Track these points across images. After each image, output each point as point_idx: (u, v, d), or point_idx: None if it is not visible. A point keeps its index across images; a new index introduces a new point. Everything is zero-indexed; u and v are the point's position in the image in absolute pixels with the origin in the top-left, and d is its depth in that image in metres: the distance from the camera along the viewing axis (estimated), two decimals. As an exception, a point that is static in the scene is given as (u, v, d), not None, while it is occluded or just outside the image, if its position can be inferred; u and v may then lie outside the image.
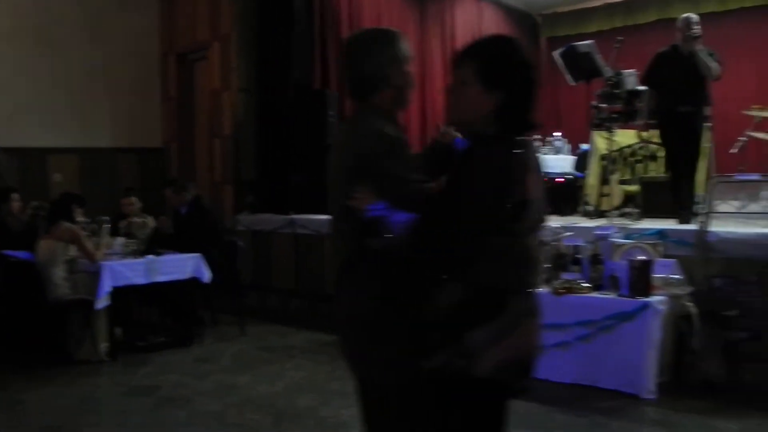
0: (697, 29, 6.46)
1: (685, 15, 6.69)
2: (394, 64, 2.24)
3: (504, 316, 1.97)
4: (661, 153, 8.53)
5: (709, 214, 5.22)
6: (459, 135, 2.44)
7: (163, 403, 5.07)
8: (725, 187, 5.41)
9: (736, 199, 5.63)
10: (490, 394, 2.06)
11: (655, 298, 4.88)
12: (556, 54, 6.70)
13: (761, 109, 8.40)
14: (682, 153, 6.63)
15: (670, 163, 6.91)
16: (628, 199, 8.31)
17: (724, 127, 9.31)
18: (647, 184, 7.97)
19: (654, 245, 5.34)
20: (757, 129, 8.57)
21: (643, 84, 7.09)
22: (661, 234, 5.47)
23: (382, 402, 2.30)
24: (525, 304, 2.02)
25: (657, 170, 8.52)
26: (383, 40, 2.30)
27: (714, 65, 6.40)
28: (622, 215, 8.04)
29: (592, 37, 12.47)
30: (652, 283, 4.97)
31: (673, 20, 12.05)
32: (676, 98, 6.48)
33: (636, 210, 7.88)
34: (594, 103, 8.73)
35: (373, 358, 2.26)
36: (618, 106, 8.83)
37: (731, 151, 8.57)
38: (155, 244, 6.92)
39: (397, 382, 2.24)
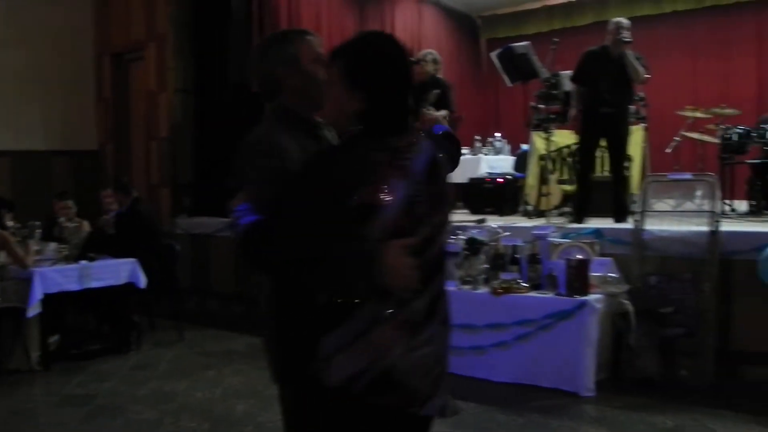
0: (627, 34, 6.56)
1: (616, 19, 6.79)
2: (289, 65, 2.17)
3: (352, 321, 1.87)
4: (599, 153, 8.67)
5: (644, 212, 5.29)
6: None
7: (98, 413, 4.94)
8: (659, 186, 5.48)
9: (670, 197, 5.72)
10: (358, 409, 1.92)
11: (592, 297, 4.93)
12: (493, 55, 6.73)
13: (694, 110, 8.57)
14: (612, 155, 6.72)
15: (588, 162, 6.99)
16: (567, 198, 8.41)
17: (660, 127, 9.50)
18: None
19: (591, 244, 5.40)
20: (691, 129, 8.74)
21: (572, 81, 7.17)
22: (597, 233, 5.54)
23: (285, 407, 2.26)
24: (379, 310, 1.88)
25: (598, 169, 8.63)
26: (278, 41, 2.23)
27: (641, 69, 6.50)
28: (561, 215, 8.17)
29: (531, 38, 12.59)
30: (590, 281, 5.02)
31: (605, 23, 12.40)
32: (600, 99, 6.55)
33: (574, 210, 7.99)
34: (532, 104, 8.82)
35: (270, 362, 2.22)
36: (556, 107, 8.98)
37: (666, 150, 8.74)
38: (91, 248, 6.74)
39: (287, 390, 2.20)
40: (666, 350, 5.06)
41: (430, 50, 8.18)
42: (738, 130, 7.96)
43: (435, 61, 7.82)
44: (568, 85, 8.95)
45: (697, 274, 5.03)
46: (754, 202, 8.03)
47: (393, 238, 1.85)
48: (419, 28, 11.99)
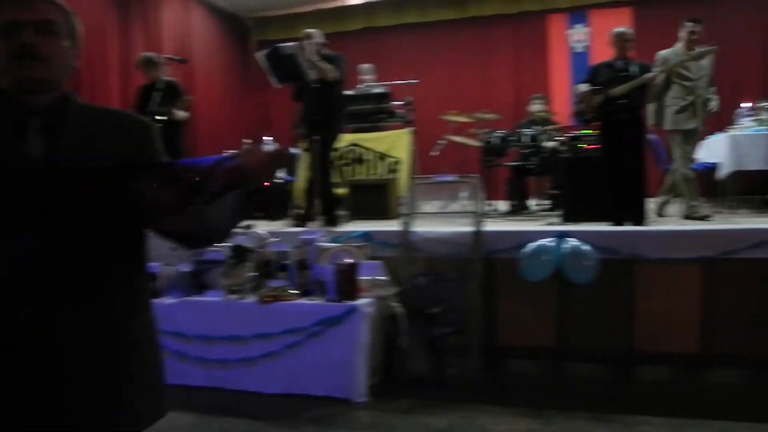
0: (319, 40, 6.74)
1: (306, 30, 6.84)
2: None
3: None
4: (368, 156, 8.75)
5: (411, 214, 5.30)
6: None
7: None
8: (426, 188, 5.53)
9: (437, 199, 5.79)
10: None
11: (362, 301, 4.84)
12: (260, 55, 6.50)
13: (458, 115, 8.85)
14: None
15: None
16: (338, 202, 8.37)
17: (427, 131, 9.75)
18: (355, 187, 8.06)
19: (360, 247, 5.33)
20: (455, 133, 9.03)
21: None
22: (366, 236, 5.48)
23: None
24: None
25: (365, 173, 8.69)
26: None
27: (328, 67, 6.54)
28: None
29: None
30: (359, 285, 4.94)
31: (379, 28, 12.64)
32: (311, 108, 6.68)
33: (345, 213, 7.96)
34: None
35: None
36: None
37: (432, 154, 8.97)
38: None
39: None
40: (436, 350, 5.08)
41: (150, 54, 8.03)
42: (498, 134, 8.31)
43: (151, 63, 7.61)
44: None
45: (463, 273, 5.10)
46: (514, 202, 8.44)
47: None
48: (187, 28, 11.54)
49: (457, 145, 9.02)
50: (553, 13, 11.79)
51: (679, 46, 6.66)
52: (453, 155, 9.60)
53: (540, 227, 5.70)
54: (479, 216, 5.14)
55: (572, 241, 4.93)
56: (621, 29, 6.40)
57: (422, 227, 5.29)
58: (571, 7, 11.65)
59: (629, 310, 5.08)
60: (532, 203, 8.75)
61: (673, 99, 6.52)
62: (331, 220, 6.58)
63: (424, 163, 9.26)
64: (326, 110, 6.68)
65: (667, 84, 6.54)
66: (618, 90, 6.14)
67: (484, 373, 5.12)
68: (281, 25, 13.06)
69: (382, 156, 8.72)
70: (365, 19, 12.72)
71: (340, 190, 8.47)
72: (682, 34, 6.72)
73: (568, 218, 6.99)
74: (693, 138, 6.61)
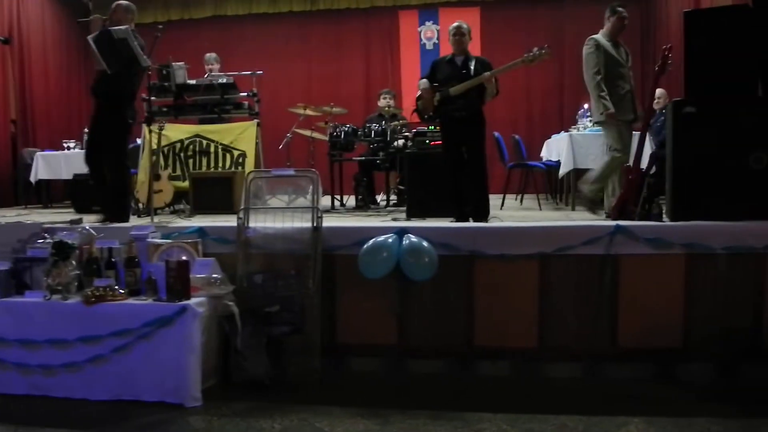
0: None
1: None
2: None
3: None
4: (212, 148, 8.46)
5: (248, 209, 5.08)
6: None
7: None
8: (264, 183, 5.32)
9: (276, 193, 5.60)
10: None
11: (194, 300, 4.58)
12: (90, 39, 6.08)
13: (304, 108, 8.69)
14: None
15: None
16: (180, 195, 8.06)
17: (276, 123, 9.56)
18: (197, 180, 7.77)
19: (194, 244, 5.06)
20: (302, 126, 8.87)
21: None
22: (201, 232, 5.22)
23: None
24: None
25: (210, 166, 8.40)
26: None
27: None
28: (174, 212, 7.79)
29: (147, 27, 12.08)
30: (192, 284, 4.68)
31: (228, 17, 12.28)
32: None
33: (187, 206, 7.67)
34: (144, 96, 8.36)
35: None
36: (169, 100, 8.60)
37: (280, 147, 8.79)
38: None
39: None
40: (274, 350, 4.90)
41: None
42: (345, 129, 8.21)
43: None
44: (181, 77, 8.61)
45: (302, 270, 4.94)
46: (361, 198, 8.37)
47: None
48: (17, 8, 10.78)
49: (306, 139, 8.87)
50: (405, 10, 11.84)
51: (604, 32, 6.58)
52: (301, 149, 9.46)
53: (379, 223, 5.62)
54: (318, 211, 4.99)
55: (412, 238, 4.86)
56: (456, 24, 6.41)
57: (259, 223, 5.08)
58: (421, 4, 11.74)
59: (469, 306, 5.07)
60: (380, 198, 8.73)
61: (612, 88, 6.39)
62: (114, 214, 6.16)
63: (271, 156, 9.07)
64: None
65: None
66: (455, 89, 6.16)
67: (324, 373, 4.99)
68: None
69: (227, 148, 8.46)
70: (214, 7, 12.34)
71: (183, 184, 8.16)
72: (613, 20, 6.61)
73: (411, 214, 7.01)
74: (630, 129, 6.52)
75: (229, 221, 5.44)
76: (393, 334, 5.13)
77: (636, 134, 6.23)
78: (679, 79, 5.73)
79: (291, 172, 5.33)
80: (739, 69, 5.32)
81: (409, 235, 4.90)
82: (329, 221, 5.35)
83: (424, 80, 6.46)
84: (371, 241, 4.86)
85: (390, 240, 4.85)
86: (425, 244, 4.83)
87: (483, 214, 6.19)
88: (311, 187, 5.08)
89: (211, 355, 4.78)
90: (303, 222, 5.03)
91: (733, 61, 5.30)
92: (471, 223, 5.70)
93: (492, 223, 5.59)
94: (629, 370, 4.97)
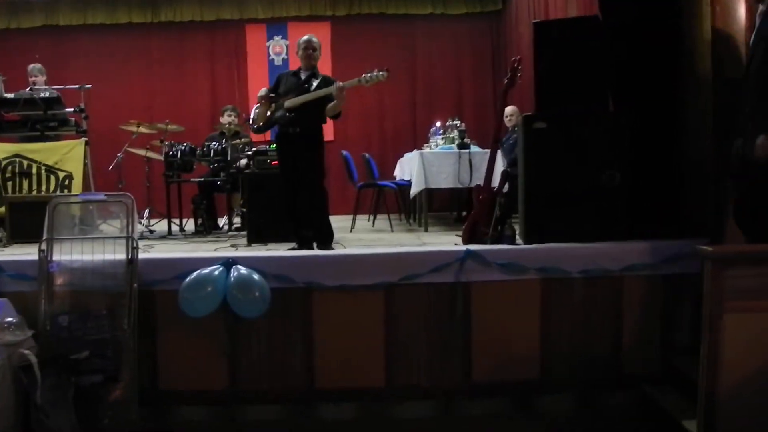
0: None
1: None
2: None
3: None
4: (34, 169, 7.63)
5: (51, 240, 4.40)
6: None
7: None
8: (69, 209, 4.64)
9: (87, 221, 4.94)
10: None
11: (-22, 350, 3.88)
12: None
13: (138, 125, 8.00)
14: None
15: None
16: (-4, 220, 7.20)
17: (110, 142, 8.81)
18: (14, 205, 6.93)
19: (-15, 281, 4.35)
20: (134, 145, 8.17)
21: None
22: (-3, 268, 4.50)
23: None
24: None
25: (32, 189, 7.55)
26: None
27: None
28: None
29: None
30: (-21, 330, 3.97)
31: (61, 27, 11.36)
32: None
33: (4, 234, 6.85)
34: (-43, 111, 7.47)
35: None
36: (-13, 115, 7.74)
37: (110, 168, 8.06)
38: None
39: None
40: (84, 402, 4.24)
41: None
42: (181, 147, 7.60)
43: None
44: (1, 91, 7.78)
45: (115, 309, 4.31)
46: (200, 222, 7.77)
47: None
48: None
49: (142, 159, 8.18)
50: (252, 23, 11.29)
51: None
52: (135, 169, 8.75)
53: (203, 253, 5.03)
54: (133, 241, 4.37)
55: (241, 270, 4.33)
56: (306, 37, 6.00)
57: (66, 255, 4.41)
58: (269, 18, 11.22)
59: (309, 344, 4.58)
60: (223, 222, 8.14)
61: None
62: None
63: (102, 177, 8.30)
64: None
65: None
66: (291, 102, 5.73)
67: (145, 425, 4.38)
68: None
69: (51, 169, 7.63)
70: (44, 16, 11.34)
71: (-1, 209, 7.29)
72: None
73: (252, 239, 6.50)
74: None
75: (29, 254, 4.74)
76: (223, 377, 4.57)
77: (486, 152, 5.97)
78: (531, 94, 5.49)
79: (101, 196, 4.68)
80: (589, 82, 5.10)
81: (238, 266, 4.37)
82: (159, 249, 4.73)
83: (264, 89, 6.03)
84: (194, 275, 4.30)
85: (216, 273, 4.30)
86: (255, 276, 4.31)
87: (325, 238, 5.74)
88: (122, 213, 4.45)
89: (7, 415, 4.06)
90: (117, 254, 4.40)
91: (584, 74, 5.08)
92: (307, 252, 5.21)
93: (329, 251, 5.12)
94: (485, 405, 4.65)
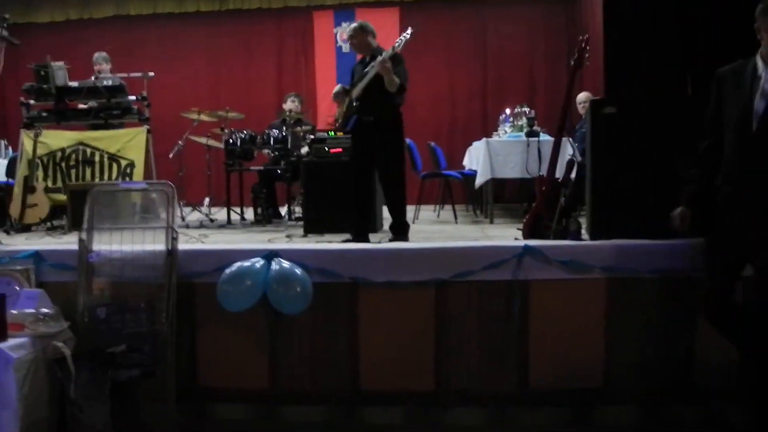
0: None
1: None
2: None
3: None
4: (97, 157, 7.61)
5: (91, 229, 4.27)
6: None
7: None
8: (109, 198, 4.49)
9: (149, 210, 4.78)
10: None
11: (9, 343, 3.75)
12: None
13: (198, 112, 7.89)
14: None
15: None
16: (57, 210, 7.21)
17: (175, 131, 8.75)
18: (75, 193, 6.90)
19: (24, 271, 4.24)
20: (195, 133, 8.07)
21: None
22: (36, 256, 4.38)
23: None
24: None
25: (94, 176, 7.54)
26: None
27: None
28: (51, 228, 6.95)
29: (44, 27, 11.20)
30: (13, 321, 3.85)
31: (131, 17, 11.42)
32: None
33: (64, 223, 6.86)
34: (22, 99, 7.51)
35: None
36: (49, 104, 7.75)
37: (171, 156, 7.98)
38: None
39: None
40: (121, 397, 4.10)
41: None
42: (241, 135, 7.46)
43: None
44: (61, 79, 7.77)
45: (154, 302, 4.15)
46: (260, 210, 7.63)
47: None
48: None
49: (199, 146, 8.09)
50: (319, 10, 11.12)
51: None
52: (197, 158, 8.66)
53: (247, 245, 4.81)
54: (173, 231, 4.20)
55: (282, 263, 4.10)
56: (358, 23, 5.80)
57: (105, 245, 4.27)
58: (337, 4, 11.04)
59: (354, 343, 4.32)
60: (284, 211, 7.98)
61: None
62: None
63: (164, 166, 8.23)
64: None
65: None
66: (355, 92, 5.54)
67: (183, 423, 4.22)
68: (21, 8, 11.40)
69: (113, 157, 7.60)
70: (116, 6, 11.43)
71: (61, 197, 7.29)
72: None
73: (309, 230, 6.32)
74: None
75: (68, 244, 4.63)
76: (264, 376, 4.35)
77: (549, 140, 5.61)
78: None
79: (142, 185, 4.53)
80: (665, 63, 4.68)
81: (280, 259, 4.15)
82: (218, 237, 4.54)
83: (337, 87, 6.00)
84: (233, 267, 4.10)
85: (256, 266, 4.09)
86: (298, 270, 4.08)
87: (401, 229, 5.55)
88: (163, 202, 4.28)
89: (39, 408, 3.94)
90: (157, 244, 4.24)
91: (659, 54, 4.66)
92: (353, 245, 4.94)
93: (377, 245, 4.84)
94: (542, 415, 4.30)
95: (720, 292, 3.69)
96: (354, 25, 5.89)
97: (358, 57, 6.11)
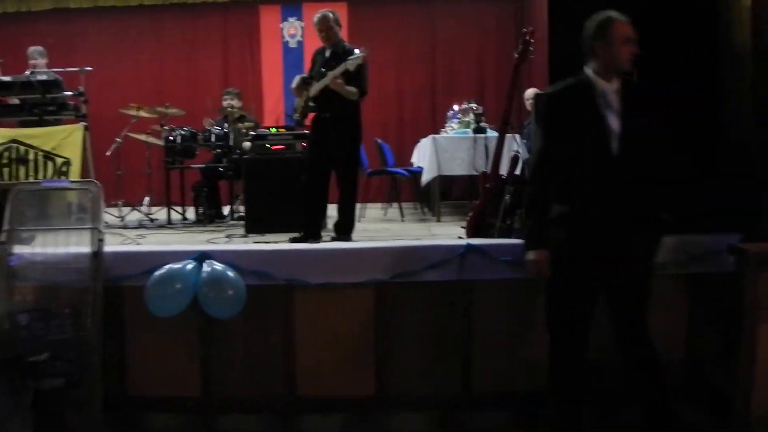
0: None
1: None
2: None
3: None
4: (32, 155, 7.32)
5: (12, 231, 4.03)
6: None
7: None
8: (32, 197, 4.25)
9: (54, 212, 4.55)
10: None
11: None
12: None
13: (138, 108, 7.64)
14: None
15: None
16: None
17: (111, 128, 8.47)
18: (5, 193, 6.61)
19: (-63, 277, 3.99)
20: (134, 129, 7.82)
21: None
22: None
23: None
24: None
25: (28, 175, 7.24)
26: None
27: None
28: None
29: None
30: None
31: (71, 10, 11.08)
32: None
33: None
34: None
35: None
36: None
37: (108, 153, 7.72)
38: None
39: None
40: (43, 409, 3.89)
41: None
42: (182, 132, 7.24)
43: None
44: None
45: (79, 307, 3.94)
46: (201, 210, 7.42)
47: None
48: None
49: (139, 142, 7.84)
50: (266, 5, 10.91)
51: None
52: (137, 155, 8.41)
53: (177, 246, 4.61)
54: (98, 233, 3.99)
55: (214, 265, 3.92)
56: (317, 16, 5.67)
57: (27, 248, 4.04)
58: (283, -1, 10.84)
59: (290, 348, 4.16)
60: (227, 211, 7.78)
61: None
62: None
63: (104, 164, 7.97)
64: None
65: None
66: (313, 90, 5.41)
67: (113, 430, 4.02)
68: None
69: (49, 155, 7.31)
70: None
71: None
72: None
73: (250, 229, 6.15)
74: None
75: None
76: (196, 384, 4.16)
77: (494, 136, 5.51)
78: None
79: (65, 183, 4.31)
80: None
81: (212, 261, 3.96)
82: (156, 238, 4.33)
83: (297, 78, 5.85)
84: (162, 270, 3.90)
85: (186, 268, 3.90)
86: (230, 272, 3.90)
87: (348, 228, 5.45)
88: (88, 201, 4.07)
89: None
90: (83, 247, 4.03)
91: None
92: (290, 246, 4.78)
93: (314, 245, 4.68)
94: (485, 419, 4.18)
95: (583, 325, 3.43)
96: (318, 15, 5.68)
97: (306, 51, 5.99)
